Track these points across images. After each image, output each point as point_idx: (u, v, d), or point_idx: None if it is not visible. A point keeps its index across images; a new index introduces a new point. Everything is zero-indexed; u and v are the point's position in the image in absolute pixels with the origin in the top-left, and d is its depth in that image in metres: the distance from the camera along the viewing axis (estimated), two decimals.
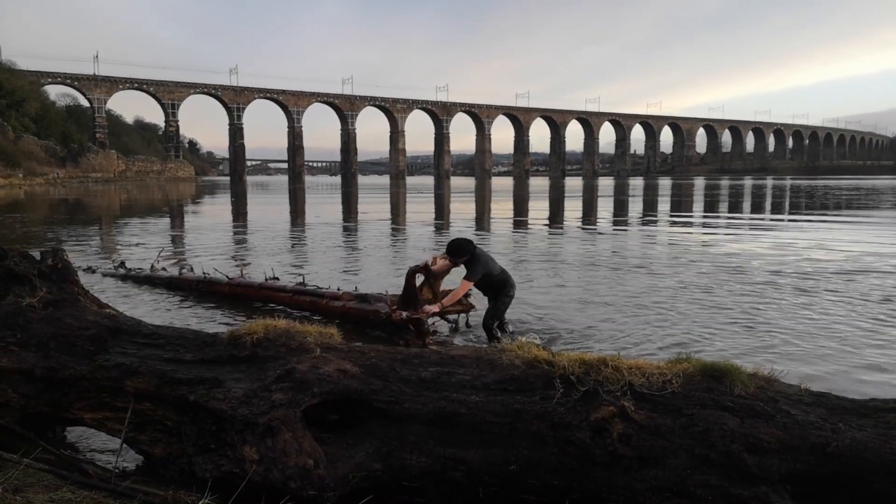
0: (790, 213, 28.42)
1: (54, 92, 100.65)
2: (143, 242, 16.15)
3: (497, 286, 6.67)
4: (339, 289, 7.76)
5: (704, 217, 27.17)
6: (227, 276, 8.98)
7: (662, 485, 2.78)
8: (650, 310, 8.25)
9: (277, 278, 8.49)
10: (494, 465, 3.00)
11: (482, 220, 26.19)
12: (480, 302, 6.95)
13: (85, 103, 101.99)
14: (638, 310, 8.28)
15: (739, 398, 2.89)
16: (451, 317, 7.10)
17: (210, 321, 7.69)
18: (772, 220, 25.11)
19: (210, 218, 28.27)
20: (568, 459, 2.93)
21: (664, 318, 7.82)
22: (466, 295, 6.71)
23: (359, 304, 7.10)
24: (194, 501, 2.84)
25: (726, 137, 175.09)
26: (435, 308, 6.42)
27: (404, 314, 6.27)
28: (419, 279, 6.53)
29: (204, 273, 9.34)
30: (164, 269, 10.35)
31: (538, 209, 34.19)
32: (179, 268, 10.30)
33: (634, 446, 2.84)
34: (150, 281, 9.80)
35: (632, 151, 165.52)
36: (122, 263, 10.97)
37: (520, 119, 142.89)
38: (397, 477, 3.11)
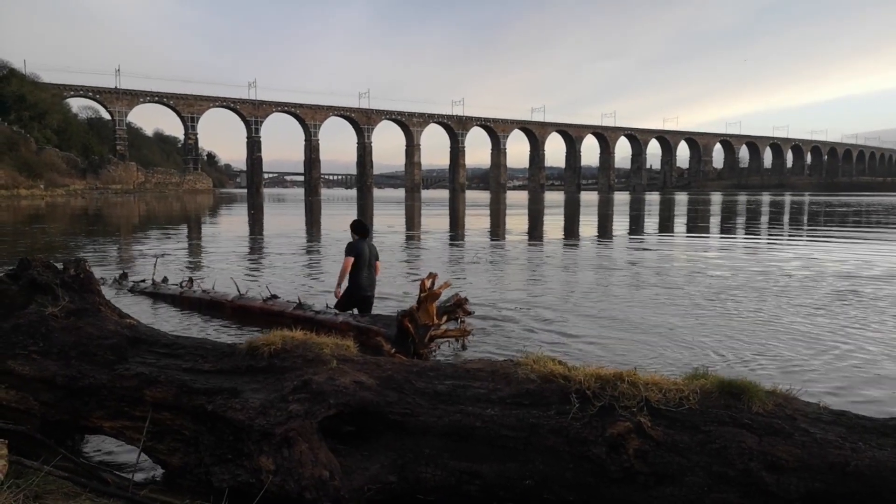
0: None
1: (76, 105, 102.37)
2: (169, 254, 16.28)
3: (356, 277, 7.62)
4: (352, 312, 7.53)
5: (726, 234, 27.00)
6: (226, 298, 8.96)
7: (679, 502, 2.76)
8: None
9: (276, 296, 8.43)
10: (509, 479, 3.00)
11: (500, 233, 26.21)
12: (477, 328, 7.09)
13: (106, 116, 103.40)
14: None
15: (758, 415, 2.87)
16: (453, 340, 7.11)
17: (226, 330, 7.76)
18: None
19: (229, 231, 28.51)
20: (583, 475, 2.92)
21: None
22: (457, 319, 7.00)
23: (358, 334, 6.81)
24: None
25: (743, 153, 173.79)
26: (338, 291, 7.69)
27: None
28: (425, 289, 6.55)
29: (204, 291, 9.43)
30: (165, 279, 10.53)
31: (557, 223, 34.15)
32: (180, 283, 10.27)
33: (651, 463, 2.83)
34: (155, 296, 9.89)
35: (648, 166, 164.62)
36: (125, 275, 11.14)
37: (535, 133, 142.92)
38: (412, 490, 3.12)
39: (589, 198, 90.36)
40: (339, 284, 7.71)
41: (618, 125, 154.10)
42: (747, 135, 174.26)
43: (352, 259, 7.52)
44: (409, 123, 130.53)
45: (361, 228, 7.90)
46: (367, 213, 44.36)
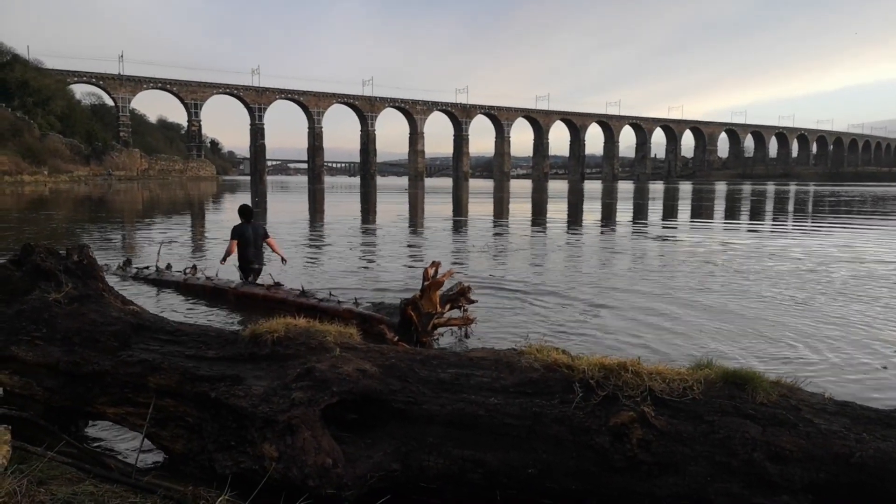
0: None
1: (80, 91, 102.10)
2: (173, 241, 16.29)
3: (244, 254, 9.05)
4: (355, 301, 7.52)
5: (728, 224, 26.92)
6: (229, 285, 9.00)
7: (682, 492, 2.76)
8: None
9: (281, 284, 8.41)
10: (513, 467, 3.00)
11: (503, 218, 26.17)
12: (481, 316, 7.13)
13: (110, 102, 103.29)
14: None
15: (762, 406, 2.86)
16: (456, 328, 7.09)
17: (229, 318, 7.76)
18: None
19: (233, 218, 28.45)
20: (587, 464, 2.91)
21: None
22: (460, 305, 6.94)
23: (361, 322, 6.66)
24: (214, 498, 2.86)
25: (749, 142, 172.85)
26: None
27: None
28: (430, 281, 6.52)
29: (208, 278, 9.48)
30: (169, 266, 10.56)
31: (563, 213, 34.08)
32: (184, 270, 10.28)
33: (654, 452, 2.82)
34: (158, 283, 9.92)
35: (652, 155, 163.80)
36: (129, 261, 11.15)
37: (539, 122, 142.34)
38: (415, 478, 3.12)
39: (593, 187, 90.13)
40: (223, 259, 9.15)
41: (622, 114, 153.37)
42: (753, 124, 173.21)
43: (235, 241, 9.01)
44: (413, 111, 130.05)
45: (245, 213, 9.23)
46: (370, 201, 44.33)
